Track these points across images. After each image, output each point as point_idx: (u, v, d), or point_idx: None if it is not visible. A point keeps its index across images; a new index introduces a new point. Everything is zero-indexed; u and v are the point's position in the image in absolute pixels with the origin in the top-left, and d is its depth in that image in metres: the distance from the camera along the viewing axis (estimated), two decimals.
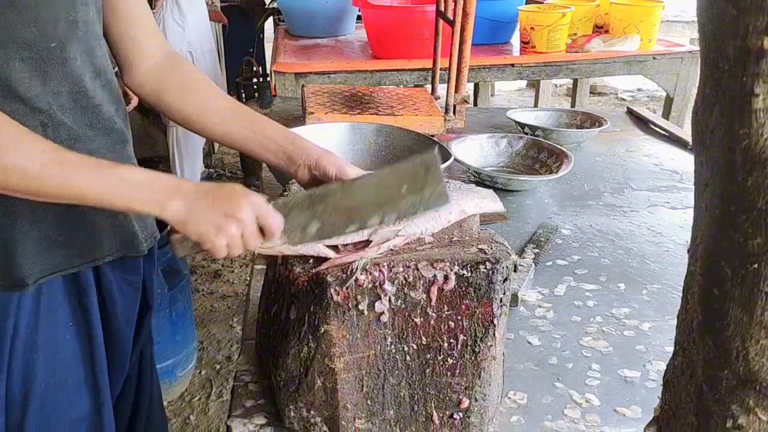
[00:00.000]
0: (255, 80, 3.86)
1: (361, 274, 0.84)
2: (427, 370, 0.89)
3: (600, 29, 3.39)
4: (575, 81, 4.46)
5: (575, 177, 1.91)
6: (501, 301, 0.88)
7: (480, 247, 0.90)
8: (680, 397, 0.51)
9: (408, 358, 0.88)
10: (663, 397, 0.55)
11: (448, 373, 0.89)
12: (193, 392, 2.48)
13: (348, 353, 0.87)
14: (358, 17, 3.63)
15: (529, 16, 3.10)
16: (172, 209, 0.86)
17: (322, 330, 0.86)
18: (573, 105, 4.49)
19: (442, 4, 2.22)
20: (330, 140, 1.79)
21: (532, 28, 3.08)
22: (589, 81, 4.65)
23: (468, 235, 0.95)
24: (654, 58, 3.16)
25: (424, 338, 0.87)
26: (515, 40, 3.41)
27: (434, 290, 0.85)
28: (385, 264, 0.85)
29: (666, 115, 3.25)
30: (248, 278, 1.90)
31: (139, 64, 1.12)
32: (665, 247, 1.54)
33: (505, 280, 0.87)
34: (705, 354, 0.47)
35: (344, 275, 0.84)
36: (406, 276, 0.85)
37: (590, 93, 5.04)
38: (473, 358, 0.89)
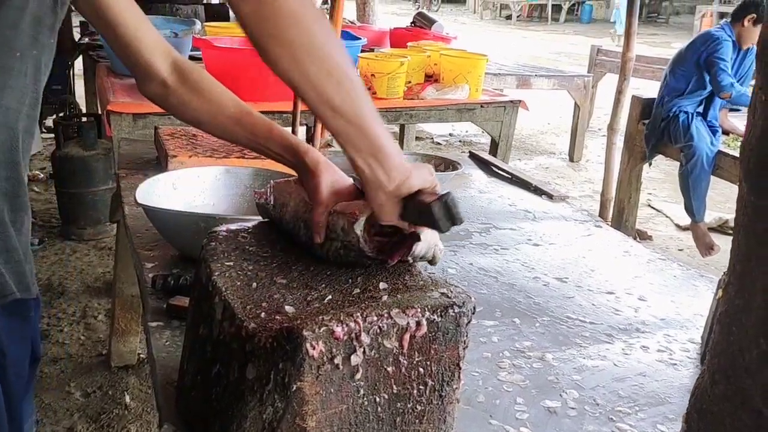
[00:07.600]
0: (75, 119, 3.56)
1: (337, 326, 0.80)
2: (397, 420, 0.87)
3: (430, 78, 3.61)
4: (402, 126, 4.68)
5: None
6: (465, 343, 0.89)
7: (440, 291, 0.91)
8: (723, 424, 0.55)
9: (379, 409, 0.86)
10: (696, 423, 0.59)
11: (417, 421, 0.88)
12: None
13: (321, 410, 0.82)
14: (191, 57, 3.52)
15: (369, 63, 3.21)
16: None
17: (294, 388, 0.80)
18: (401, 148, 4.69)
19: None
20: (204, 185, 1.72)
21: (372, 75, 3.19)
22: (416, 126, 4.90)
23: (420, 279, 0.96)
24: (482, 106, 3.42)
25: (395, 387, 0.86)
26: None
27: (407, 337, 0.84)
28: (359, 314, 0.82)
29: None
30: (145, 337, 1.73)
31: (147, 83, 1.13)
32: (542, 282, 1.65)
33: (468, 322, 0.89)
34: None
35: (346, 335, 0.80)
36: (381, 325, 0.83)
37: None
38: (440, 402, 0.89)
